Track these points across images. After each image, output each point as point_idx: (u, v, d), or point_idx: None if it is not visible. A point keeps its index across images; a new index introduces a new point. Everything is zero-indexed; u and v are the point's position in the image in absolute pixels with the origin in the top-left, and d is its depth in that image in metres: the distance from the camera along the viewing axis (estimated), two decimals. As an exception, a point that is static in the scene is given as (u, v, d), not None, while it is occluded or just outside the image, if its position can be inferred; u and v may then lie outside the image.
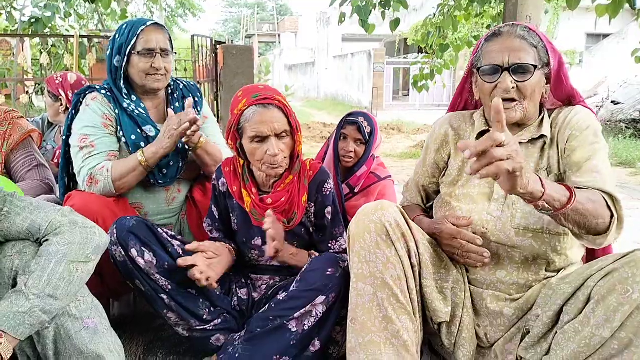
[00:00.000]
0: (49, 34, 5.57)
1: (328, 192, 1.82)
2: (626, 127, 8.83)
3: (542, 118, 1.56)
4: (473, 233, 1.53)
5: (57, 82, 2.81)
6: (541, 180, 1.22)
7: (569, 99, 1.55)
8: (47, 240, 1.38)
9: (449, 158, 1.74)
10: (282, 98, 1.71)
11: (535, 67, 1.46)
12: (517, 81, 1.47)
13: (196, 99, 2.19)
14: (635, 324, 1.22)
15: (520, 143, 1.52)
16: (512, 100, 1.49)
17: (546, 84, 1.52)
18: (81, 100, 2.03)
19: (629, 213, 4.34)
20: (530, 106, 1.50)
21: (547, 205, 1.24)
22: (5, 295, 1.29)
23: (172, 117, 1.91)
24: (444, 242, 1.58)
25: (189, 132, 1.90)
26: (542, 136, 1.54)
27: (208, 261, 1.70)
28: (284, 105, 1.68)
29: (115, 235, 1.66)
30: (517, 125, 1.55)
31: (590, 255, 1.63)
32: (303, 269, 1.69)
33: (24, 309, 1.26)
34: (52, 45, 5.73)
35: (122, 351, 1.50)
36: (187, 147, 2.03)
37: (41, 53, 5.44)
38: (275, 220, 1.67)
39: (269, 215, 1.64)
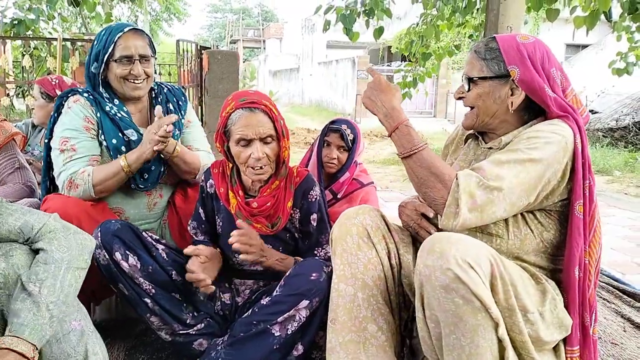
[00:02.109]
0: (31, 36, 5.51)
1: (314, 199, 1.83)
2: (603, 135, 9.02)
3: (518, 129, 1.53)
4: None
5: (53, 83, 2.78)
6: (408, 126, 1.44)
7: (549, 110, 1.49)
8: (42, 245, 1.38)
9: (445, 158, 1.83)
10: (270, 103, 1.73)
11: (472, 79, 1.52)
12: (466, 91, 1.56)
13: (180, 102, 2.19)
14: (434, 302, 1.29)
15: (490, 148, 1.56)
16: (469, 107, 1.57)
17: (511, 95, 1.49)
18: (63, 103, 2.01)
19: (606, 220, 4.43)
20: (482, 115, 1.53)
21: (402, 137, 1.43)
22: (21, 305, 1.28)
23: (154, 123, 1.89)
24: (406, 212, 1.69)
25: (155, 139, 1.85)
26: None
27: (202, 265, 1.73)
28: (270, 110, 1.70)
29: (99, 238, 1.67)
30: (495, 134, 1.58)
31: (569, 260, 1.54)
32: (287, 273, 1.71)
33: (45, 320, 1.28)
34: (34, 48, 5.66)
35: (105, 353, 1.50)
36: (161, 155, 2.00)
37: (23, 55, 5.37)
38: (246, 233, 1.71)
39: (238, 230, 1.70)
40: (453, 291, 1.23)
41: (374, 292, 1.52)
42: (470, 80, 1.53)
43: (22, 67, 5.39)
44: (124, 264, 1.68)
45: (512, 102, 1.49)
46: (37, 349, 1.26)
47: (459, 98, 1.59)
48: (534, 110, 1.52)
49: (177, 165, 2.05)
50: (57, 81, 2.80)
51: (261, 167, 1.70)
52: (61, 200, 1.84)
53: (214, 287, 1.73)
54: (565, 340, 1.49)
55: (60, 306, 1.32)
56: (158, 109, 1.92)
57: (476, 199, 1.32)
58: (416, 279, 1.33)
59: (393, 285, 1.57)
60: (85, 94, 2.00)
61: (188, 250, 1.74)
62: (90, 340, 1.44)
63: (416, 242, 1.64)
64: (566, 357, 1.49)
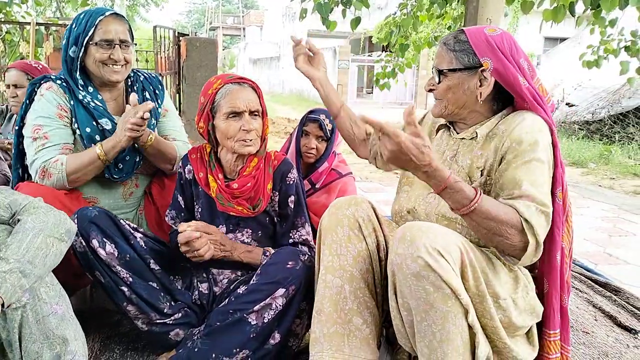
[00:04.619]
0: (3, 20, 5.36)
1: (291, 182, 1.85)
2: (579, 128, 9.17)
3: (490, 119, 1.56)
4: (406, 210, 1.66)
5: (39, 68, 2.71)
6: (456, 180, 1.33)
7: (522, 100, 1.52)
8: (20, 217, 1.43)
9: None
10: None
11: (442, 71, 1.54)
12: (436, 83, 1.58)
13: (157, 91, 2.15)
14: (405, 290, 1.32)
15: (463, 139, 1.59)
16: (439, 99, 1.59)
17: (480, 86, 1.51)
18: (36, 90, 1.97)
19: (580, 211, 4.52)
20: (452, 106, 1.56)
21: (453, 194, 1.33)
22: None
23: (129, 110, 1.86)
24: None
25: (129, 126, 1.81)
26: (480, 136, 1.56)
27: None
28: (257, 86, 1.79)
29: (76, 225, 1.64)
30: (465, 124, 1.61)
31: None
32: (264, 262, 1.71)
33: (3, 269, 1.28)
34: (6, 32, 5.51)
35: (84, 341, 1.49)
36: (135, 145, 1.97)
37: (-5, 40, 5.23)
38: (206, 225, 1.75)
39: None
40: (423, 279, 1.25)
41: (361, 285, 1.52)
42: (440, 72, 1.55)
43: (-6, 51, 5.24)
44: (101, 252, 1.66)
45: (480, 93, 1.51)
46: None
47: (430, 90, 1.61)
48: (502, 100, 1.56)
49: (151, 155, 2.03)
50: (40, 67, 2.73)
51: (250, 140, 1.73)
52: (33, 189, 1.81)
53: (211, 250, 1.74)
54: (543, 324, 1.55)
55: (24, 263, 1.31)
56: (133, 96, 1.88)
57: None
58: (389, 267, 1.36)
59: (380, 279, 1.57)
60: (59, 81, 1.95)
61: (182, 239, 1.71)
62: (70, 326, 1.44)
63: None
64: (545, 341, 1.55)
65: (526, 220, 1.32)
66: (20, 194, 1.53)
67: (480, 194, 1.33)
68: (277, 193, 1.85)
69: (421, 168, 1.28)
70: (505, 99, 1.55)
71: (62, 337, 1.40)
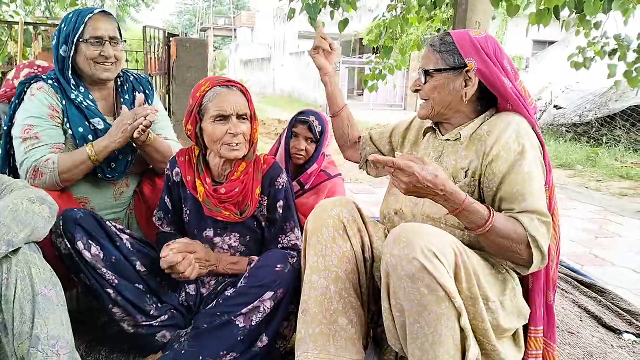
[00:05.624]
0: (-10, 19, 5.31)
1: (280, 187, 1.84)
2: (567, 130, 9.24)
3: (474, 120, 1.58)
4: (394, 211, 1.68)
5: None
6: (471, 201, 1.36)
7: (505, 101, 1.55)
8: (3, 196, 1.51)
9: (403, 141, 1.85)
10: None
11: (428, 71, 1.57)
12: (423, 84, 1.61)
13: (147, 92, 2.16)
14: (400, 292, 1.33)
15: (447, 140, 1.61)
16: (425, 99, 1.63)
17: (465, 87, 1.53)
18: (26, 90, 1.96)
19: (567, 213, 4.56)
20: (437, 106, 1.59)
21: (469, 215, 1.35)
22: None
23: (127, 112, 1.88)
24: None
25: (140, 128, 1.86)
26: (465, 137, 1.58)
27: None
28: (246, 90, 1.76)
29: (61, 227, 1.63)
30: (450, 125, 1.63)
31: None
32: (252, 265, 1.71)
33: None
34: (-6, 32, 5.45)
35: (71, 333, 1.47)
36: (134, 145, 1.99)
37: (-18, 39, 5.17)
38: (188, 244, 1.76)
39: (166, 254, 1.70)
40: (419, 281, 1.25)
41: (347, 285, 1.53)
42: (426, 73, 1.58)
43: (-19, 51, 5.19)
44: (87, 254, 1.65)
45: (465, 93, 1.54)
46: None
47: (416, 91, 1.64)
48: (486, 101, 1.58)
49: (149, 154, 2.03)
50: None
51: (237, 144, 1.70)
52: None
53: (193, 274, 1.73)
54: (529, 321, 1.56)
55: None
56: (140, 96, 1.92)
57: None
58: (383, 268, 1.35)
59: (365, 279, 1.58)
60: (50, 81, 1.95)
61: (165, 264, 1.70)
62: (57, 312, 1.43)
63: None
64: (530, 337, 1.56)
65: (531, 236, 1.36)
66: (5, 176, 1.59)
67: (494, 213, 1.37)
68: (266, 198, 1.84)
69: (438, 193, 1.32)
70: (489, 100, 1.58)
71: (46, 320, 1.39)
